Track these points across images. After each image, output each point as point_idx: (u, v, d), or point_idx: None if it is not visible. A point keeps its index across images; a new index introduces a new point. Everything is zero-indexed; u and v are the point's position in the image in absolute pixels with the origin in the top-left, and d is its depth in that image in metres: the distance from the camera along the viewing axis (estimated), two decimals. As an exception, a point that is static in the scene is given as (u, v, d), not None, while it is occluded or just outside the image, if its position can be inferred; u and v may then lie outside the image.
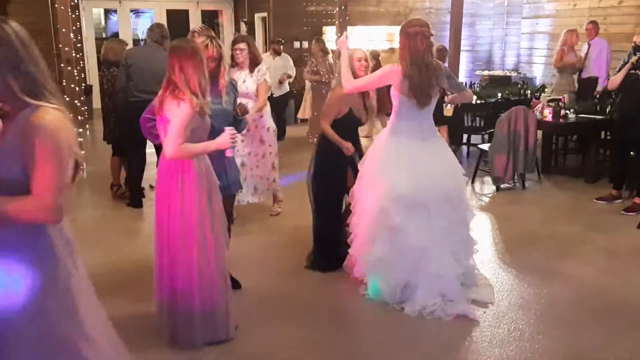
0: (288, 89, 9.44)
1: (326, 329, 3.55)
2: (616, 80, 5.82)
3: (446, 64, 6.48)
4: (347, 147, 4.12)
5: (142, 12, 14.20)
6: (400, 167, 3.73)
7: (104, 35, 14.41)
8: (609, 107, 6.76)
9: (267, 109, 5.33)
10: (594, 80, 8.14)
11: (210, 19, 13.72)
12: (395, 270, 3.73)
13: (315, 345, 3.36)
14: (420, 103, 3.71)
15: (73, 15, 8.33)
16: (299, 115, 9.91)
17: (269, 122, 5.37)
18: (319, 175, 4.28)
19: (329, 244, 4.32)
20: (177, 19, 12.73)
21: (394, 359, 3.24)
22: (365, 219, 3.84)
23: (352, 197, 4.03)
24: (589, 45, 8.27)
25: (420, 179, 3.69)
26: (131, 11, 13.06)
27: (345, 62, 3.94)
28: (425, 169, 3.74)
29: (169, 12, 12.82)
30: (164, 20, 12.63)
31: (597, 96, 7.70)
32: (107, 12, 15.08)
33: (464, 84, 9.03)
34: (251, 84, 5.07)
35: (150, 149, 6.17)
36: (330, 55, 9.18)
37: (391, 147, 3.83)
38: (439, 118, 7.35)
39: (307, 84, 9.64)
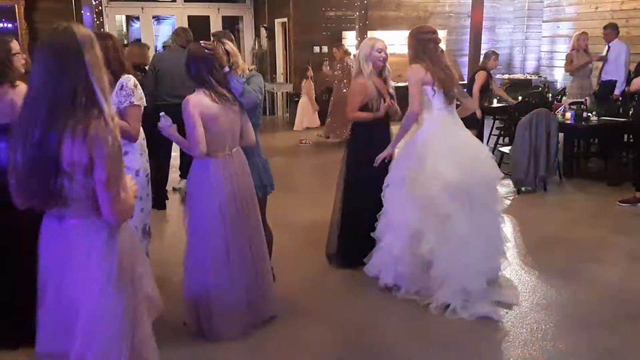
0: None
1: (349, 326, 3.58)
2: (637, 82, 5.77)
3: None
4: (385, 105, 4.12)
5: (164, 19, 14.37)
6: (445, 155, 3.72)
7: (125, 42, 14.60)
8: (632, 109, 6.71)
9: (136, 144, 3.46)
10: (613, 83, 8.06)
11: (231, 24, 13.84)
12: (438, 262, 3.68)
13: (338, 342, 3.40)
14: (447, 96, 3.81)
15: (97, 22, 8.48)
16: (295, 128, 9.73)
17: (138, 161, 3.48)
18: (351, 167, 4.31)
19: (354, 238, 4.31)
20: (199, 25, 12.85)
21: (416, 356, 3.27)
22: (408, 214, 3.79)
23: (384, 199, 3.98)
24: (609, 48, 8.21)
25: (463, 166, 3.70)
26: (153, 17, 13.24)
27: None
28: (466, 156, 3.75)
29: (191, 18, 12.96)
30: (185, 26, 12.78)
31: (620, 99, 7.64)
32: (129, 18, 15.30)
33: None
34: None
35: (174, 152, 6.27)
36: (351, 55, 9.31)
37: (428, 138, 3.83)
38: (469, 121, 7.27)
39: (303, 97, 9.62)
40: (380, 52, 4.12)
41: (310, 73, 9.48)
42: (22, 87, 3.14)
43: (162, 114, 3.29)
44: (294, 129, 9.78)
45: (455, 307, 3.65)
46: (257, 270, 3.40)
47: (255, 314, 3.44)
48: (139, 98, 3.38)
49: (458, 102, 4.14)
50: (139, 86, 3.42)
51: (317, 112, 9.67)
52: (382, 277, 4.00)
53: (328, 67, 9.35)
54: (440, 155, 3.73)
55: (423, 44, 3.83)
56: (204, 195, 3.22)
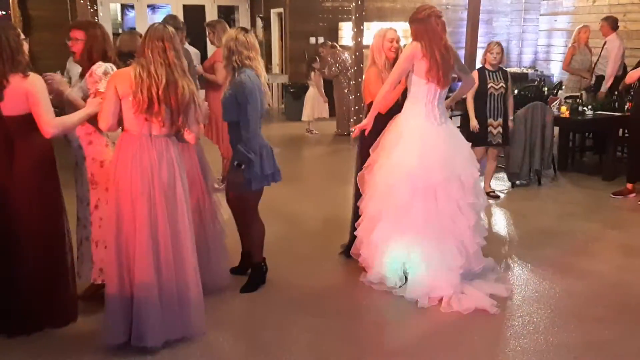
0: None
1: (341, 318, 3.56)
2: (634, 75, 5.77)
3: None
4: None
5: (159, 8, 14.26)
6: (412, 147, 3.73)
7: (120, 31, 14.51)
8: (627, 102, 6.70)
9: (102, 134, 3.40)
10: (603, 78, 7.99)
11: (227, 14, 13.75)
12: (396, 252, 3.74)
13: (329, 334, 3.37)
14: (440, 84, 3.71)
15: (91, 10, 8.38)
16: (303, 119, 9.71)
17: (103, 153, 3.42)
18: (363, 160, 4.20)
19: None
20: (194, 15, 12.77)
21: (406, 348, 3.25)
22: (373, 199, 3.86)
23: (361, 181, 4.02)
24: (605, 43, 8.14)
25: (431, 161, 3.68)
26: (148, 7, 13.14)
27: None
28: (439, 151, 3.72)
29: (186, 8, 12.87)
30: (180, 16, 12.67)
31: (616, 93, 7.60)
32: (124, 7, 15.19)
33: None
34: (77, 93, 3.40)
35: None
36: (338, 48, 9.36)
37: (405, 129, 3.81)
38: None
39: (311, 89, 9.60)
40: (391, 42, 4.03)
41: (317, 65, 9.45)
42: (33, 78, 3.01)
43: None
44: (302, 119, 9.71)
45: (450, 300, 3.62)
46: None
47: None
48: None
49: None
50: (110, 74, 3.27)
51: (327, 103, 9.64)
52: (355, 255, 4.10)
53: (326, 70, 9.34)
54: (407, 147, 3.73)
55: (423, 23, 3.68)
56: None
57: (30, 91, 2.99)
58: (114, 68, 3.34)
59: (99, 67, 3.32)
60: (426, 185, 3.69)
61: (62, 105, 3.39)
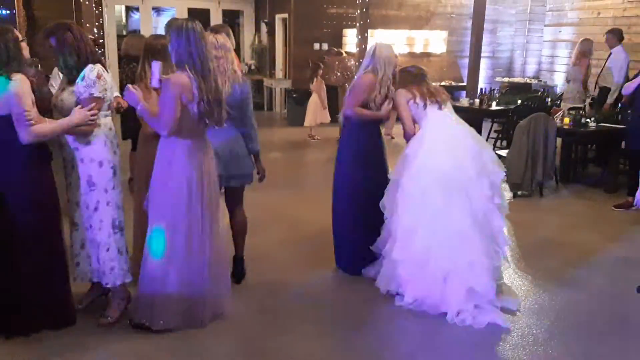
0: None
1: (344, 328, 3.53)
2: (630, 86, 5.77)
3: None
4: (383, 114, 4.04)
5: (164, 10, 14.30)
6: (438, 147, 3.68)
7: (124, 33, 14.54)
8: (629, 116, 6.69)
9: (100, 133, 3.29)
10: (608, 90, 7.98)
11: (232, 19, 13.78)
12: (436, 259, 3.56)
13: (333, 344, 3.35)
14: (438, 103, 3.83)
15: (96, 12, 8.42)
16: (306, 124, 9.69)
17: (102, 152, 3.31)
18: (342, 168, 4.19)
19: (344, 242, 4.20)
20: (198, 18, 12.74)
21: (404, 359, 3.22)
22: (405, 212, 3.68)
23: (384, 208, 3.88)
24: (610, 54, 8.14)
25: (461, 156, 3.63)
26: (153, 9, 13.17)
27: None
28: (466, 145, 3.67)
29: (190, 11, 12.90)
30: (185, 19, 12.66)
31: (618, 107, 7.59)
32: (129, 9, 15.23)
33: (484, 89, 9.01)
34: (68, 98, 3.26)
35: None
36: (344, 53, 9.40)
37: (422, 134, 3.83)
38: None
39: (314, 96, 9.61)
40: (396, 59, 4.09)
41: (320, 72, 9.44)
42: (16, 80, 2.95)
43: (128, 86, 3.24)
44: (305, 124, 9.71)
45: (466, 315, 3.54)
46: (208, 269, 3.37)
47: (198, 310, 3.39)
48: (101, 90, 3.21)
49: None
50: (103, 77, 3.23)
51: (327, 109, 9.65)
52: (386, 285, 3.86)
53: (338, 74, 9.42)
54: (434, 148, 3.69)
55: (407, 78, 4.01)
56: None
57: (11, 92, 2.92)
58: (103, 69, 3.27)
59: (91, 71, 3.20)
60: (459, 183, 3.58)
61: (49, 110, 3.29)
